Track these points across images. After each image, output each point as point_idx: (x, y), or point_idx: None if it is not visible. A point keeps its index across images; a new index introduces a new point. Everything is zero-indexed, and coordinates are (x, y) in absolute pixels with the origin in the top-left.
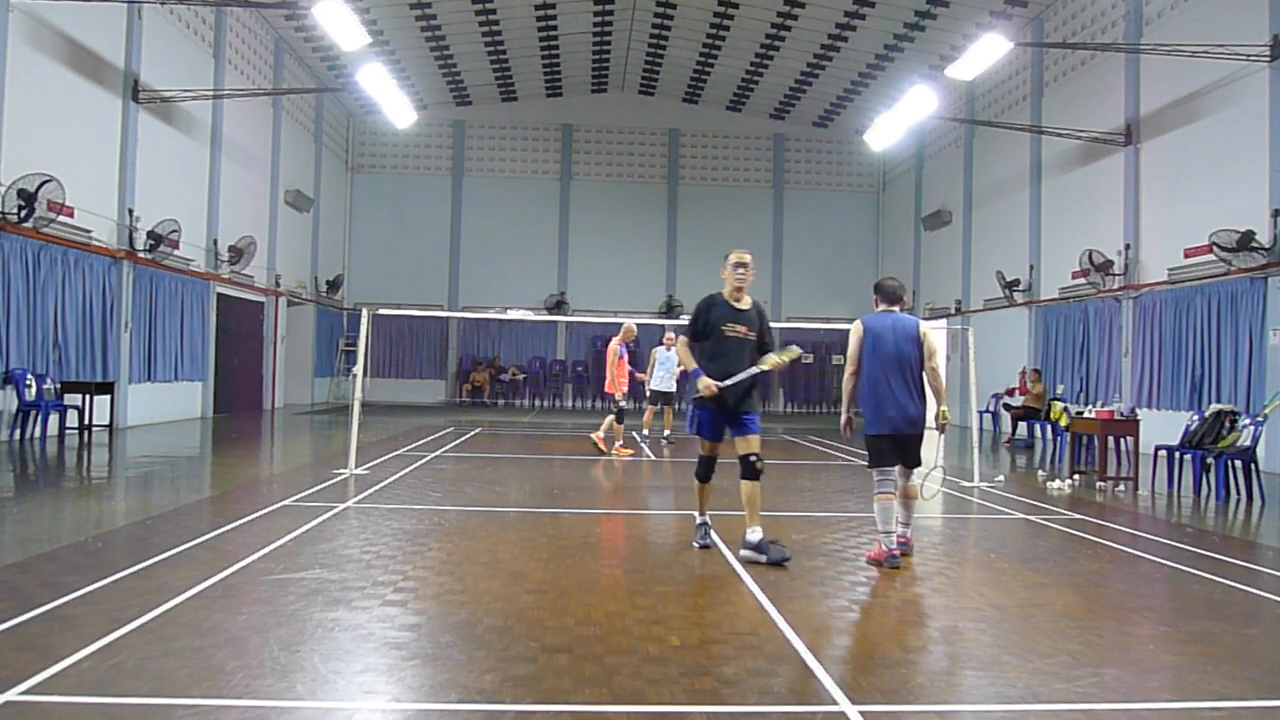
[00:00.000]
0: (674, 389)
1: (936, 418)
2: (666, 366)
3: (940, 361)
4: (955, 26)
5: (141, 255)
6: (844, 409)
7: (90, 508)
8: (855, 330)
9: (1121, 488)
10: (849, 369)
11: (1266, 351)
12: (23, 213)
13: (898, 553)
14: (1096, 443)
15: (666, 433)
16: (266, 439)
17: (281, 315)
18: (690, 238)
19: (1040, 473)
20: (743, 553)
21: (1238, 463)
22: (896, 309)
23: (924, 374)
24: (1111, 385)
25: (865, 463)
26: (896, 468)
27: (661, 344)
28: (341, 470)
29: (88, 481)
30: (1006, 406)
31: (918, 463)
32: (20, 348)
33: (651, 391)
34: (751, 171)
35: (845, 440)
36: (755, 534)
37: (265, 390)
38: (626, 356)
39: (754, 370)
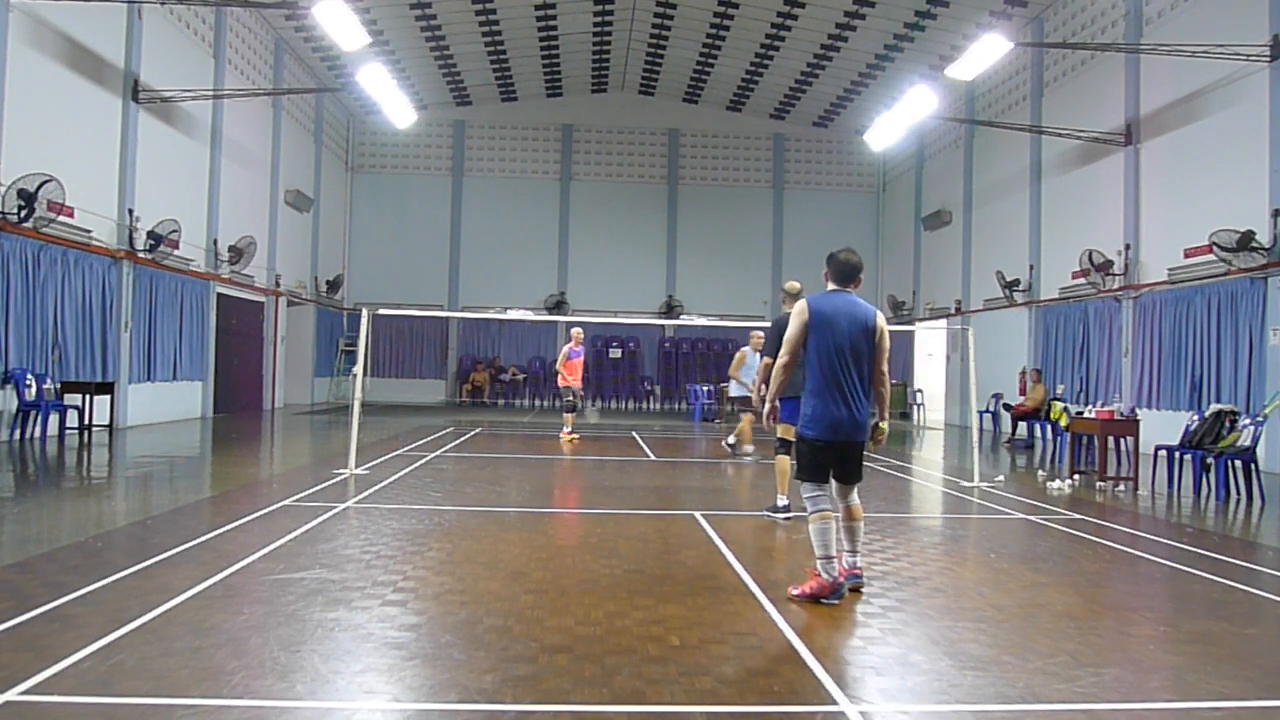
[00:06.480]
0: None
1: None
2: (749, 373)
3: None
4: (955, 26)
5: (141, 255)
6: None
7: (90, 508)
8: (799, 311)
9: (1121, 488)
10: (782, 358)
11: (1266, 351)
12: (23, 213)
13: (843, 581)
14: (1096, 443)
15: (749, 448)
16: (266, 439)
17: (281, 315)
18: (690, 238)
19: (1040, 473)
20: (766, 512)
21: (1238, 463)
22: (850, 290)
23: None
24: (1111, 385)
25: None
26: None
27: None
28: (341, 470)
29: (87, 481)
30: (1006, 406)
31: (859, 477)
32: (20, 348)
33: (739, 399)
34: (751, 171)
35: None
36: (783, 500)
37: (265, 390)
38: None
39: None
